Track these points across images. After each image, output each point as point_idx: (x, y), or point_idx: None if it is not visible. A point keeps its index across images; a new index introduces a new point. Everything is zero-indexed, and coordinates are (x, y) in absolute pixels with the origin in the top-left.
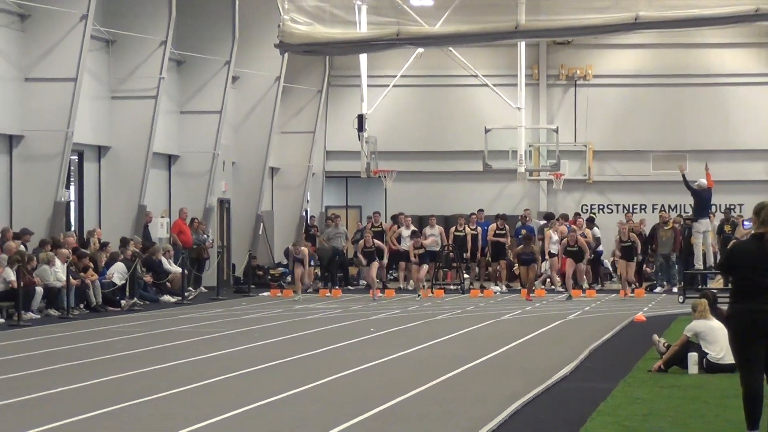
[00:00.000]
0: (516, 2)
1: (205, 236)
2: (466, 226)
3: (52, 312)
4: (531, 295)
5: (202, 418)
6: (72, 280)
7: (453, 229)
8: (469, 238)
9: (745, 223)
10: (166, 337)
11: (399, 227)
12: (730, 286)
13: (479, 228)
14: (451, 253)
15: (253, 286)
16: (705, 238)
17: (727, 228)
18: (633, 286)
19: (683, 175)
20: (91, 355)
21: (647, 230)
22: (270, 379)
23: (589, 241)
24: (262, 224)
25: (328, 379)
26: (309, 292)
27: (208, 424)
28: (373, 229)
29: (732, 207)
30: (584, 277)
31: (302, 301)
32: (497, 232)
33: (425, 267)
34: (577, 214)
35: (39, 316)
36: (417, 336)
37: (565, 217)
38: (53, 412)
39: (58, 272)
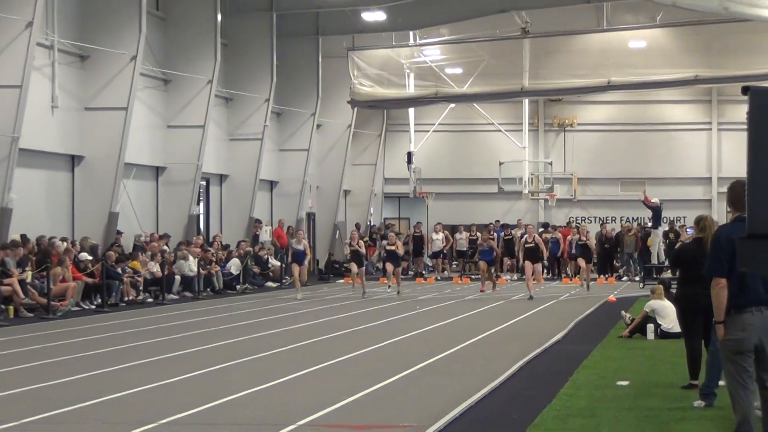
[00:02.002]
0: (522, 71)
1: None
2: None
3: (187, 294)
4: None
5: (311, 363)
6: (201, 271)
7: (471, 234)
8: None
9: (689, 230)
10: (272, 312)
11: (436, 233)
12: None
13: (495, 234)
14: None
15: (331, 275)
16: (657, 242)
17: (671, 235)
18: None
19: (645, 198)
20: (219, 324)
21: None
22: (349, 342)
23: (546, 239)
24: (338, 231)
25: (386, 342)
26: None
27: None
28: (414, 234)
29: (678, 219)
30: (541, 277)
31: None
32: (505, 237)
33: (397, 268)
34: (567, 224)
35: (177, 297)
36: (451, 312)
37: (550, 225)
38: (201, 362)
39: (191, 265)
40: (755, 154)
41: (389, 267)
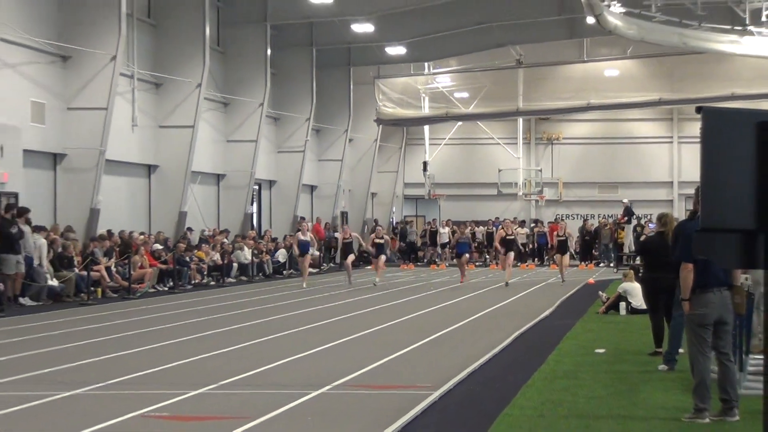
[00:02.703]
0: (517, 95)
1: (332, 234)
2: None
3: (243, 278)
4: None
5: (342, 336)
6: (254, 259)
7: (485, 228)
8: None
9: (651, 224)
10: (310, 293)
11: (443, 227)
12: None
13: (494, 227)
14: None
15: (361, 263)
16: (628, 235)
17: (638, 228)
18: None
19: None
20: (268, 303)
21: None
22: (371, 318)
23: (523, 233)
24: (366, 226)
25: (402, 319)
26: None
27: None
28: (429, 229)
29: (645, 216)
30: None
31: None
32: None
33: (383, 257)
34: (556, 219)
35: (234, 281)
36: (457, 293)
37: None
38: (253, 334)
39: (246, 254)
40: (707, 163)
41: (380, 259)
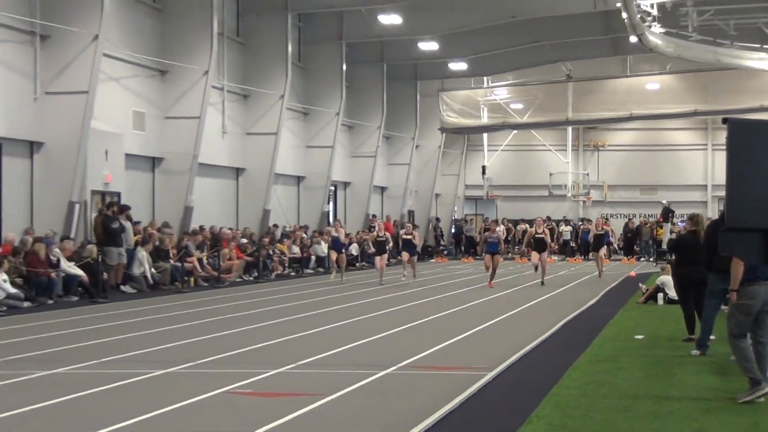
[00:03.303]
0: (567, 106)
1: (403, 232)
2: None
3: (320, 269)
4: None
5: (406, 322)
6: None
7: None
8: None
9: (680, 223)
10: (378, 283)
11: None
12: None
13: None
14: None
15: (426, 256)
16: (666, 232)
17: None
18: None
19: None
20: (342, 292)
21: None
22: (431, 307)
23: (552, 229)
24: (431, 224)
25: (459, 308)
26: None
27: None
28: (485, 226)
29: (681, 216)
30: (546, 265)
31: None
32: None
33: (413, 256)
34: (600, 217)
35: (312, 272)
36: (511, 284)
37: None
38: (328, 319)
39: (323, 248)
40: (731, 168)
41: (405, 255)
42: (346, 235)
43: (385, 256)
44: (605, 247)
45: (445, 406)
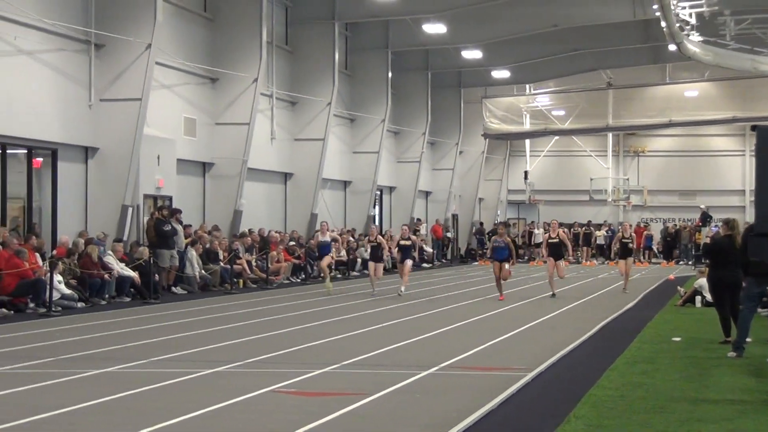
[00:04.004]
0: (607, 113)
1: (448, 233)
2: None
3: (365, 272)
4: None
5: (450, 323)
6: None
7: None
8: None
9: (714, 228)
10: (423, 285)
11: (537, 229)
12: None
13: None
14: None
15: (469, 259)
16: (705, 236)
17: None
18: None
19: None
20: (387, 294)
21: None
22: (474, 309)
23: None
24: (474, 227)
25: (507, 308)
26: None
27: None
28: (529, 230)
29: (717, 220)
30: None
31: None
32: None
33: (408, 262)
34: (639, 223)
35: (358, 274)
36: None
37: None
38: (373, 320)
39: (367, 251)
40: (760, 175)
41: (401, 265)
42: (341, 235)
43: (381, 265)
44: (631, 257)
45: (484, 406)
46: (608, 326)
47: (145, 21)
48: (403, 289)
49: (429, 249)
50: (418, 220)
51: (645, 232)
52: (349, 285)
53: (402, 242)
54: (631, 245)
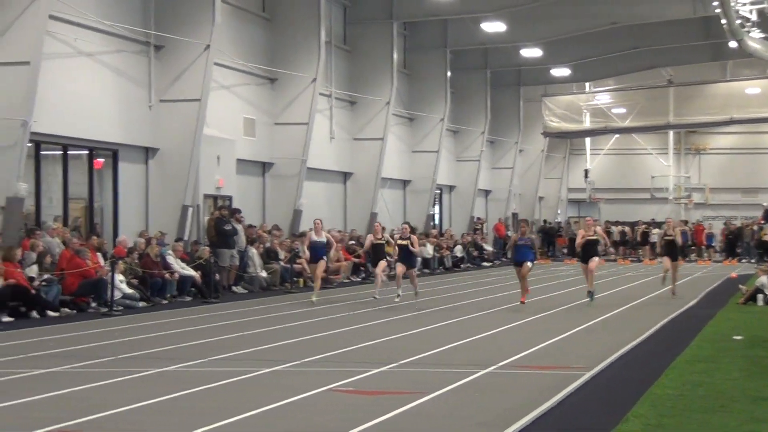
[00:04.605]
0: (668, 110)
1: (509, 232)
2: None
3: (426, 270)
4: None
5: (508, 322)
6: (435, 254)
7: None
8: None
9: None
10: (485, 284)
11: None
12: None
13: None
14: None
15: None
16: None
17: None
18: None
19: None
20: (449, 292)
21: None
22: (531, 308)
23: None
24: (533, 226)
25: (567, 306)
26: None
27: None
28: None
29: None
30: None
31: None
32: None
33: (402, 266)
34: (698, 221)
35: (418, 273)
36: (613, 284)
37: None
38: (437, 318)
39: (428, 249)
40: None
41: (399, 268)
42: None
43: (384, 263)
44: (677, 255)
45: (541, 405)
46: (668, 325)
47: (204, 22)
48: (400, 293)
49: (489, 248)
50: (478, 218)
51: (705, 231)
52: (410, 284)
53: (400, 242)
54: (676, 242)
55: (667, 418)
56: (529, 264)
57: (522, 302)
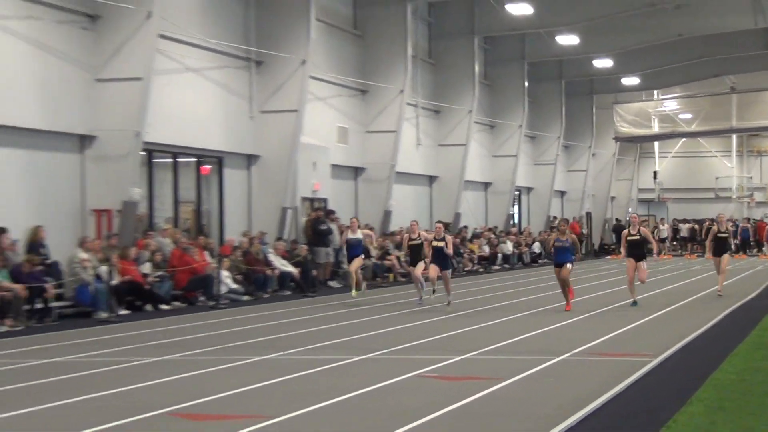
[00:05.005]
0: (731, 116)
1: (583, 230)
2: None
3: (506, 266)
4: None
5: (580, 313)
6: (515, 251)
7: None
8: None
9: None
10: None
11: (663, 225)
12: None
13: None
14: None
15: (602, 253)
16: None
17: None
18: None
19: None
20: (524, 286)
21: None
22: (601, 300)
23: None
24: (606, 224)
25: (628, 301)
26: None
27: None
28: (655, 226)
29: None
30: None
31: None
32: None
33: (436, 268)
34: (762, 218)
35: (499, 268)
36: (677, 278)
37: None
38: (509, 311)
39: (508, 246)
40: None
41: (433, 270)
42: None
43: (422, 264)
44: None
45: (612, 389)
46: (730, 315)
47: (300, 38)
48: (429, 296)
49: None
50: (555, 218)
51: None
52: (491, 278)
53: (435, 243)
54: (728, 240)
55: (728, 402)
56: (568, 266)
57: (567, 310)
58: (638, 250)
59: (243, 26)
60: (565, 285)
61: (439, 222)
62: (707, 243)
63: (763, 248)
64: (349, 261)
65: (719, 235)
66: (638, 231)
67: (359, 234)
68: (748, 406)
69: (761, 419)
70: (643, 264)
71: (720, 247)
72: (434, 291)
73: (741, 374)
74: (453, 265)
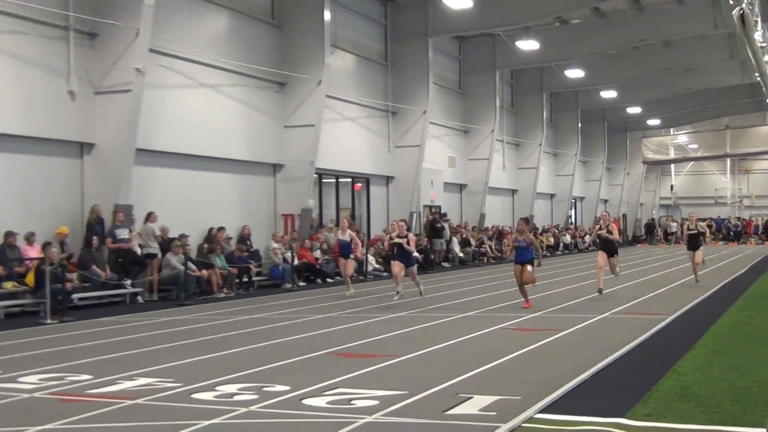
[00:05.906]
0: (726, 145)
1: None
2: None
3: (566, 251)
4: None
5: (617, 305)
6: (572, 240)
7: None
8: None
9: None
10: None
11: (673, 222)
12: None
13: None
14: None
15: (634, 242)
16: None
17: None
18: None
19: None
20: (551, 278)
21: None
22: (634, 290)
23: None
24: (637, 222)
25: (660, 273)
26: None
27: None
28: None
29: None
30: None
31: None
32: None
33: (400, 264)
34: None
35: (560, 253)
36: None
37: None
38: (540, 306)
39: (566, 238)
40: None
41: (396, 266)
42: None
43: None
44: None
45: (639, 337)
46: (725, 286)
47: (421, 95)
48: (399, 290)
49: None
50: (600, 216)
51: (753, 223)
52: (557, 263)
53: (398, 239)
54: (699, 236)
55: (722, 347)
56: (529, 268)
57: (526, 307)
58: (610, 248)
59: (383, 85)
60: (524, 284)
61: (402, 220)
62: (684, 237)
63: (750, 238)
64: (342, 258)
65: (689, 232)
66: (608, 229)
67: (347, 236)
68: (737, 350)
69: (745, 360)
70: (613, 259)
71: (692, 242)
72: (398, 293)
73: (732, 328)
74: (417, 261)
